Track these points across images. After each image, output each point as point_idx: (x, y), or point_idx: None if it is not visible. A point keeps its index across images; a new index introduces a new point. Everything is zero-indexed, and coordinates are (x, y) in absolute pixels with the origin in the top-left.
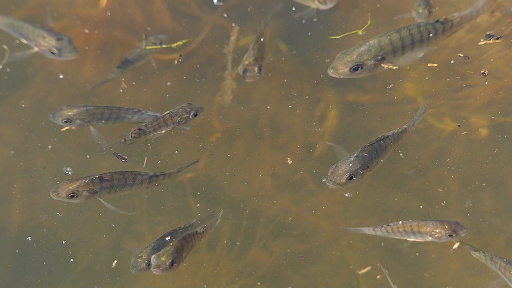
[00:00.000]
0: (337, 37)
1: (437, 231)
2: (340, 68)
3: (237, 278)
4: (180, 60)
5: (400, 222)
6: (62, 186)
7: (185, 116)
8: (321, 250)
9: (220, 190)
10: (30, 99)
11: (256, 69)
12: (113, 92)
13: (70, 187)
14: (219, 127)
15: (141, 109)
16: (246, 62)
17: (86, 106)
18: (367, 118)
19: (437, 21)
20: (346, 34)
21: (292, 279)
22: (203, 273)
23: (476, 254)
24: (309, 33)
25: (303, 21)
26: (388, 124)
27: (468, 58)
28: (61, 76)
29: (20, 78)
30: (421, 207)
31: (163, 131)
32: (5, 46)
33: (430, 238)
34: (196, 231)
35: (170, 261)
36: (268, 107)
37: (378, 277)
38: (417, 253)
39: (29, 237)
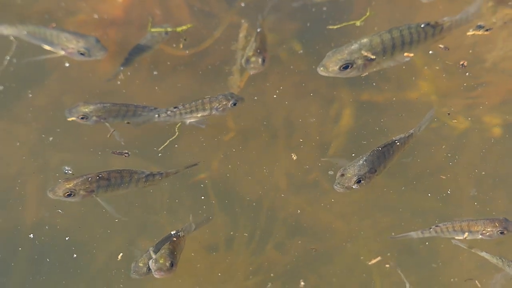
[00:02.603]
0: (334, 27)
1: (488, 229)
2: (330, 66)
3: (251, 277)
4: (185, 41)
5: (449, 222)
6: (59, 185)
7: (224, 103)
8: (336, 249)
9: (235, 189)
10: (45, 97)
11: (260, 60)
12: (126, 90)
13: (67, 186)
14: (233, 126)
15: (156, 107)
16: (250, 54)
17: (103, 103)
18: (382, 117)
19: (428, 24)
20: (343, 24)
21: (306, 277)
22: (220, 271)
23: (493, 260)
24: (324, 32)
25: (314, 10)
26: (402, 123)
27: (448, 49)
28: (67, 64)
29: (36, 75)
30: (429, 195)
31: (199, 115)
32: (12, 38)
33: (480, 236)
34: (179, 235)
35: (169, 262)
36: (286, 102)
37: (387, 266)
38: (427, 243)
39: (31, 235)
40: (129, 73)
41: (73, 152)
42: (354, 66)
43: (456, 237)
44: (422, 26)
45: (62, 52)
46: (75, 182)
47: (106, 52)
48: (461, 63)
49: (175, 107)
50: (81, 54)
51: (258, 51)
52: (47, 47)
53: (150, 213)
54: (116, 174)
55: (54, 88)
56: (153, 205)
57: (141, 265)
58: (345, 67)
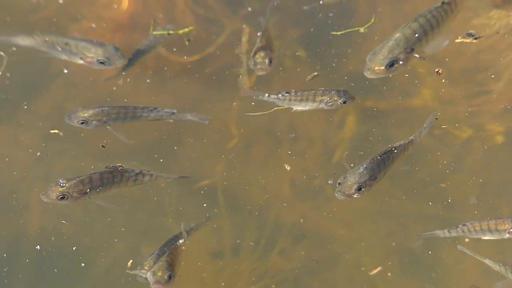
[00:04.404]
0: (338, 33)
1: None
2: (376, 68)
3: (253, 287)
4: (188, 43)
5: (476, 221)
6: (52, 188)
7: (335, 99)
8: (339, 256)
9: (237, 196)
10: (49, 104)
11: (266, 61)
12: (129, 97)
13: (60, 189)
14: (236, 133)
15: (156, 107)
16: (256, 55)
17: (101, 107)
18: (386, 124)
19: (443, 3)
20: (347, 30)
21: (309, 284)
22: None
23: (496, 267)
24: (327, 38)
25: (318, 16)
26: (406, 129)
27: (424, 58)
28: (66, 71)
29: (39, 82)
30: (430, 203)
31: (307, 105)
32: (1, 53)
33: (507, 235)
34: (176, 244)
35: (167, 274)
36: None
37: (389, 274)
38: (429, 252)
39: (38, 246)
40: (128, 80)
41: (76, 159)
42: (399, 61)
43: (483, 237)
44: (440, 6)
45: (81, 62)
46: (68, 184)
47: (125, 60)
48: (436, 70)
49: (287, 92)
50: (101, 63)
51: (264, 52)
52: (65, 57)
53: (154, 220)
54: (108, 174)
55: (57, 95)
56: (157, 212)
57: (147, 268)
58: (391, 65)
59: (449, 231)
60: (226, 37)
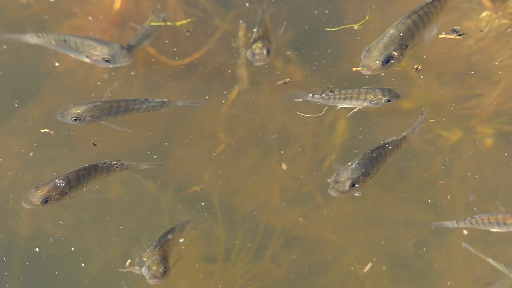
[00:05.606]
0: (332, 29)
1: None
2: (372, 64)
3: None
4: (189, 33)
5: (485, 214)
6: (33, 194)
7: (379, 97)
8: (330, 262)
9: (227, 203)
10: (39, 108)
11: (264, 51)
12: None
13: (41, 194)
14: (224, 139)
15: (147, 98)
16: (254, 47)
17: (93, 102)
18: (376, 127)
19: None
20: (341, 27)
21: None
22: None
23: (499, 267)
24: (319, 41)
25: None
26: (397, 133)
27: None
28: (57, 64)
29: (29, 86)
30: (422, 206)
31: (351, 104)
32: (5, 46)
33: None
34: (167, 238)
35: (162, 268)
36: (279, 113)
37: (383, 267)
38: (424, 249)
39: (37, 249)
40: (113, 73)
41: (66, 164)
42: (395, 57)
43: (491, 229)
44: (431, 2)
45: (87, 60)
46: (47, 188)
47: (130, 58)
48: (415, 67)
49: (331, 91)
50: (106, 61)
51: (262, 42)
52: (72, 56)
53: (150, 221)
54: (83, 171)
55: (48, 99)
56: (150, 218)
57: (146, 259)
58: (387, 61)
59: (457, 222)
60: (219, 37)
